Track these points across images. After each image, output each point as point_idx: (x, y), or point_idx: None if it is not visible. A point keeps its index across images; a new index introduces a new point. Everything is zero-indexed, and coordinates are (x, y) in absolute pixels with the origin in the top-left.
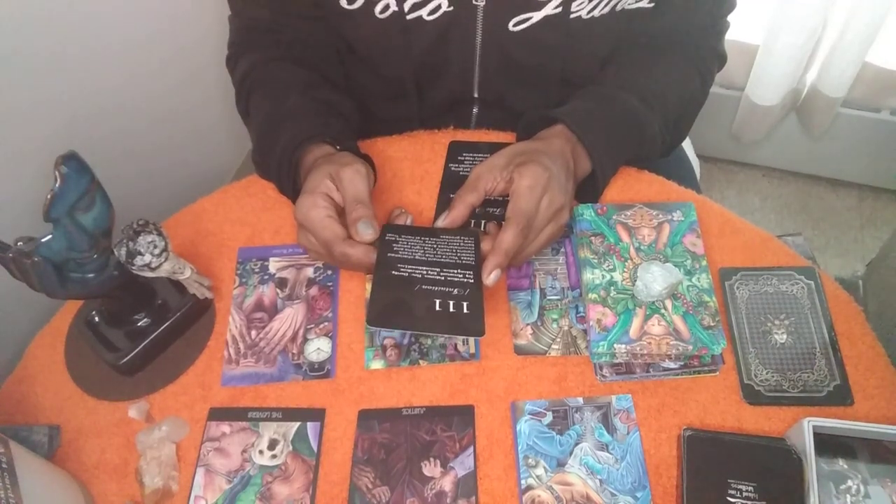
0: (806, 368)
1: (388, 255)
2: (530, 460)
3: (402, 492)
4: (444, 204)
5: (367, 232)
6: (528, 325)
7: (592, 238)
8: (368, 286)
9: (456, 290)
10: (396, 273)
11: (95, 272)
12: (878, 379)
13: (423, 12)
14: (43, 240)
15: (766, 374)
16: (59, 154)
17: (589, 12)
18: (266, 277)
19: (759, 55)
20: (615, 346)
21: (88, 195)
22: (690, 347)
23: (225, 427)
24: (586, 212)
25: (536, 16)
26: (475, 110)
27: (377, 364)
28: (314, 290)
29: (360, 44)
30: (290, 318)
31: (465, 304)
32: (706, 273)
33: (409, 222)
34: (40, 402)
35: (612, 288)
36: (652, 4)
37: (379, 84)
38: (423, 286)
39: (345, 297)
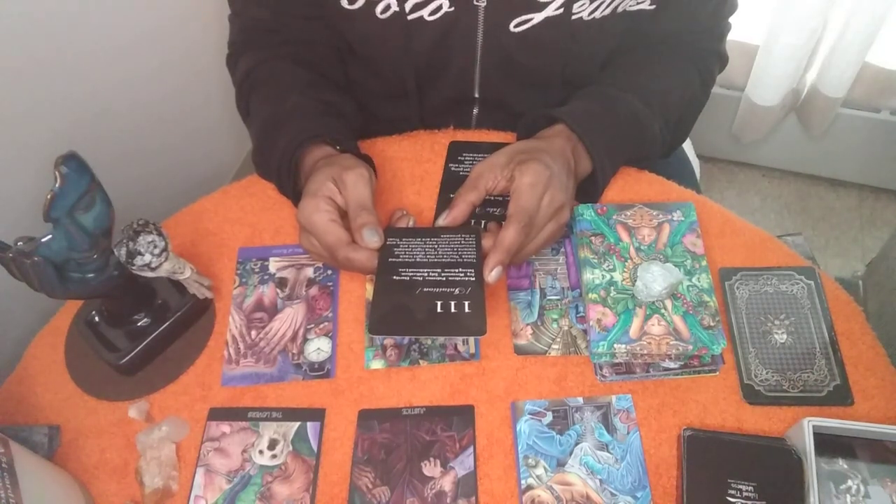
0: (806, 368)
1: (390, 259)
2: (530, 460)
3: (402, 492)
4: (444, 204)
5: (372, 239)
6: (528, 325)
7: (592, 238)
8: (368, 287)
9: (457, 289)
10: (397, 278)
11: (95, 272)
12: (878, 379)
13: (424, 13)
14: (43, 240)
15: (766, 374)
16: (59, 154)
17: (590, 14)
18: (266, 277)
19: (759, 55)
20: (615, 346)
21: (88, 195)
22: (690, 347)
23: (225, 427)
24: (586, 212)
25: (538, 17)
26: (475, 111)
27: (377, 364)
28: (314, 290)
29: (361, 44)
30: (290, 318)
31: (466, 303)
32: (706, 273)
33: (411, 224)
34: (40, 402)
35: (612, 288)
36: (653, 6)
37: (379, 84)
38: (425, 289)
39: (345, 297)
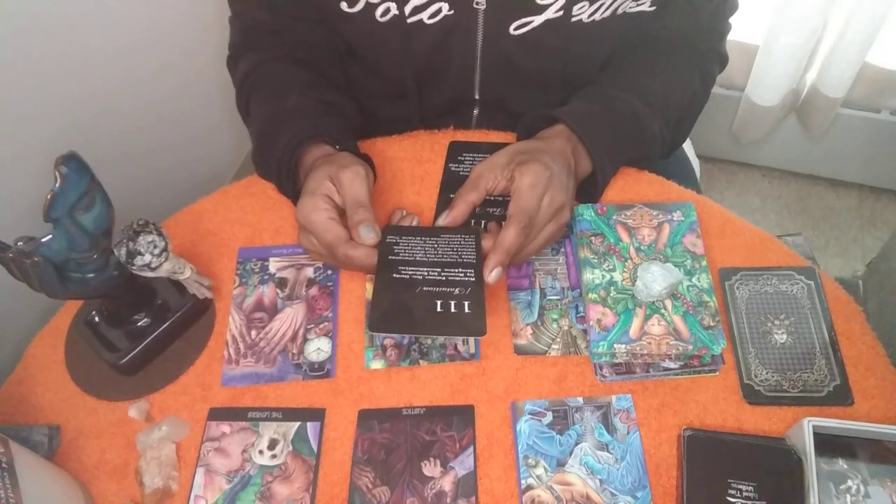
0: (806, 368)
1: (389, 257)
2: (530, 460)
3: (402, 492)
4: (444, 204)
5: (368, 236)
6: (528, 325)
7: (592, 238)
8: (368, 286)
9: (457, 289)
10: (397, 276)
11: (95, 272)
12: (878, 379)
13: (424, 16)
14: (43, 240)
15: (766, 374)
16: (59, 154)
17: (590, 16)
18: (266, 277)
19: (759, 55)
20: (615, 345)
21: (88, 195)
22: (690, 347)
23: (225, 427)
24: (586, 212)
25: (537, 19)
26: (476, 112)
27: (377, 364)
28: (314, 290)
29: (361, 46)
30: (290, 318)
31: (466, 303)
32: (706, 273)
33: (415, 223)
34: (40, 402)
35: (612, 288)
36: (653, 8)
37: (379, 85)
38: (425, 287)
39: (345, 297)
